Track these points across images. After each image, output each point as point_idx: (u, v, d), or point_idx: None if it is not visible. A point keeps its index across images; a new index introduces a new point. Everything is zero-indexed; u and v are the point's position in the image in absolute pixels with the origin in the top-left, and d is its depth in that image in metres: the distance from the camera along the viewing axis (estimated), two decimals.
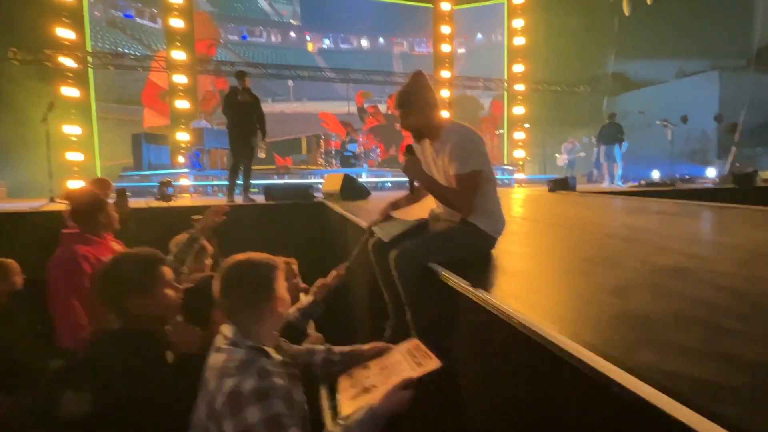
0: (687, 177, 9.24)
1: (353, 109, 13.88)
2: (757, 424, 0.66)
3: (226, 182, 6.56)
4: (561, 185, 6.79)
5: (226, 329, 1.29)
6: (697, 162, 10.55)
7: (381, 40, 14.37)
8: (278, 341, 1.39)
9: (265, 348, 1.25)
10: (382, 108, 14.09)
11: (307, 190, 5.71)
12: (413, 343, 1.58)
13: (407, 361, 1.46)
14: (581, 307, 1.34)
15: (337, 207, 4.29)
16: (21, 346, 2.31)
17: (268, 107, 9.61)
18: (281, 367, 1.24)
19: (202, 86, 11.96)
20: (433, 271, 1.71)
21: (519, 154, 13.11)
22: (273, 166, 10.82)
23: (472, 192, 1.80)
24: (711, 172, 9.55)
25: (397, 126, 1.90)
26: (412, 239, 1.84)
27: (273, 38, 13.32)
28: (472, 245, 1.87)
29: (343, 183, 5.49)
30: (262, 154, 6.08)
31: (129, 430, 1.26)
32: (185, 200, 7.04)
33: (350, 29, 13.91)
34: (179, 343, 1.41)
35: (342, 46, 14.01)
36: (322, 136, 11.13)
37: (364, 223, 2.64)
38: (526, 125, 13.04)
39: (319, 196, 5.96)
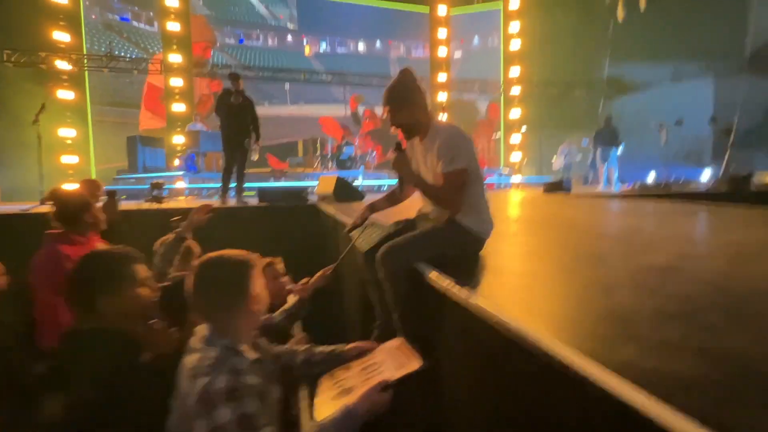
0: (681, 180, 9.24)
1: (350, 112, 13.88)
2: (724, 416, 0.67)
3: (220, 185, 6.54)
4: (556, 187, 6.79)
5: (202, 328, 1.26)
6: (692, 164, 10.56)
7: (378, 44, 14.39)
8: (256, 339, 1.36)
9: (241, 347, 1.22)
10: (379, 111, 14.10)
11: (300, 192, 5.69)
12: (397, 342, 1.56)
13: (390, 361, 1.43)
14: (566, 304, 1.33)
15: (329, 209, 4.26)
16: (3, 348, 2.27)
17: (264, 110, 9.60)
18: (256, 365, 1.21)
19: (198, 89, 11.95)
20: (419, 271, 1.70)
21: (516, 157, 13.12)
22: (268, 169, 10.79)
23: (459, 189, 1.80)
24: (705, 175, 9.55)
25: (393, 129, 1.89)
26: (398, 237, 1.81)
27: (270, 42, 13.30)
28: (459, 244, 1.85)
29: (336, 185, 5.47)
30: (255, 156, 6.06)
31: None
32: (177, 202, 7.00)
33: (347, 33, 13.91)
34: (155, 343, 1.37)
35: (339, 49, 14.00)
36: (319, 140, 11.13)
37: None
38: (524, 128, 13.06)
39: (312, 198, 5.94)
